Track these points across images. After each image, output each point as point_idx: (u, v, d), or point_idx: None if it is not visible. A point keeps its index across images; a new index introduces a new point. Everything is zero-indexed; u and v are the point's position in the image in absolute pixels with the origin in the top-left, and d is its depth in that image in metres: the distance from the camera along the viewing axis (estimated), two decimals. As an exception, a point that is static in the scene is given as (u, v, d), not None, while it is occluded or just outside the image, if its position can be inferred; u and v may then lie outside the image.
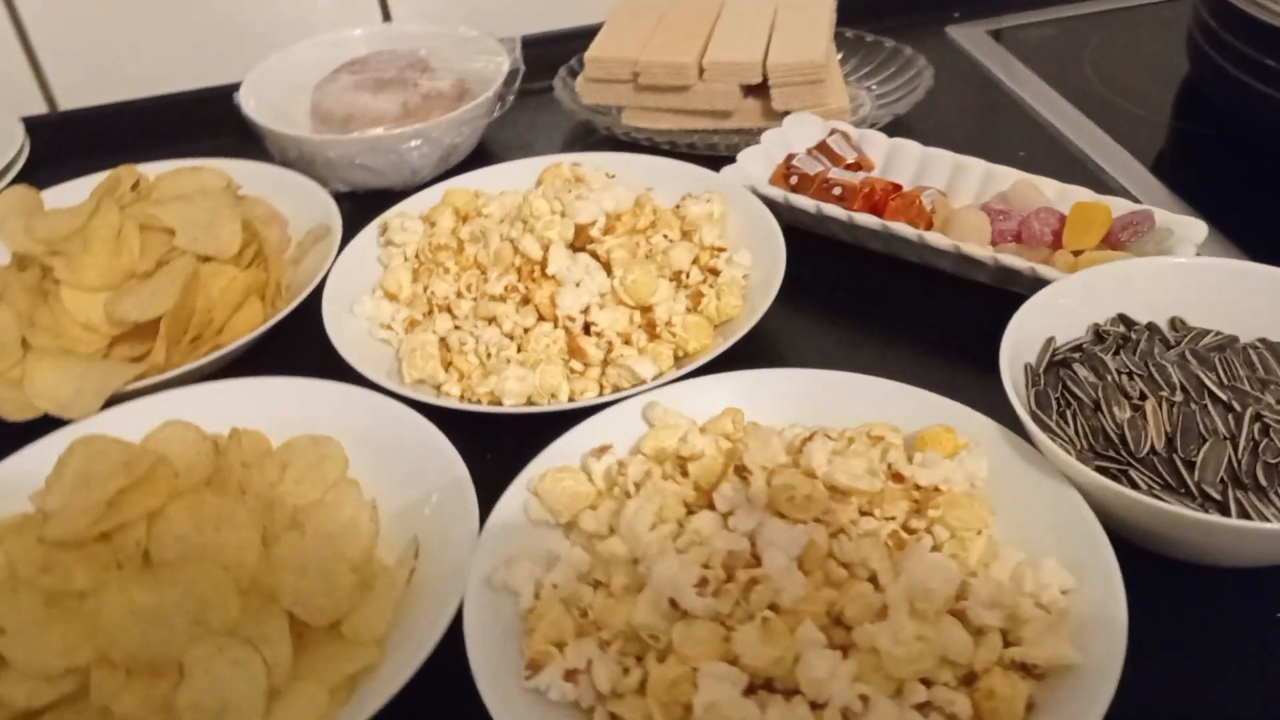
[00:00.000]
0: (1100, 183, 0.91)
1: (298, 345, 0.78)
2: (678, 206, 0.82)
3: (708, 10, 1.06)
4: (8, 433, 0.70)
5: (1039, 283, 0.71)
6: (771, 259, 0.76)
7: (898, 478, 0.57)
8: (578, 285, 0.73)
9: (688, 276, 0.77)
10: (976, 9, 1.21)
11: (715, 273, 0.77)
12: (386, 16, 1.17)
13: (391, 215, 0.85)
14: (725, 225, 0.82)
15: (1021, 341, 0.65)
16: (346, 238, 0.84)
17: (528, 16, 1.16)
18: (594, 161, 0.89)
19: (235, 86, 1.03)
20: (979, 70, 1.11)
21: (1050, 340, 0.66)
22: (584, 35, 1.05)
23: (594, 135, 1.05)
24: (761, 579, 0.51)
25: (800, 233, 0.87)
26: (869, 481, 0.55)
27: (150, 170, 0.90)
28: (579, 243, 0.78)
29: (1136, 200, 0.85)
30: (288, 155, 0.97)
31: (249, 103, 1.00)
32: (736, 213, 0.82)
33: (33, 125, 1.10)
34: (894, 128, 0.99)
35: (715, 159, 0.90)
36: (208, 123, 1.06)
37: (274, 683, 0.54)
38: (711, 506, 0.58)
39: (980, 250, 0.75)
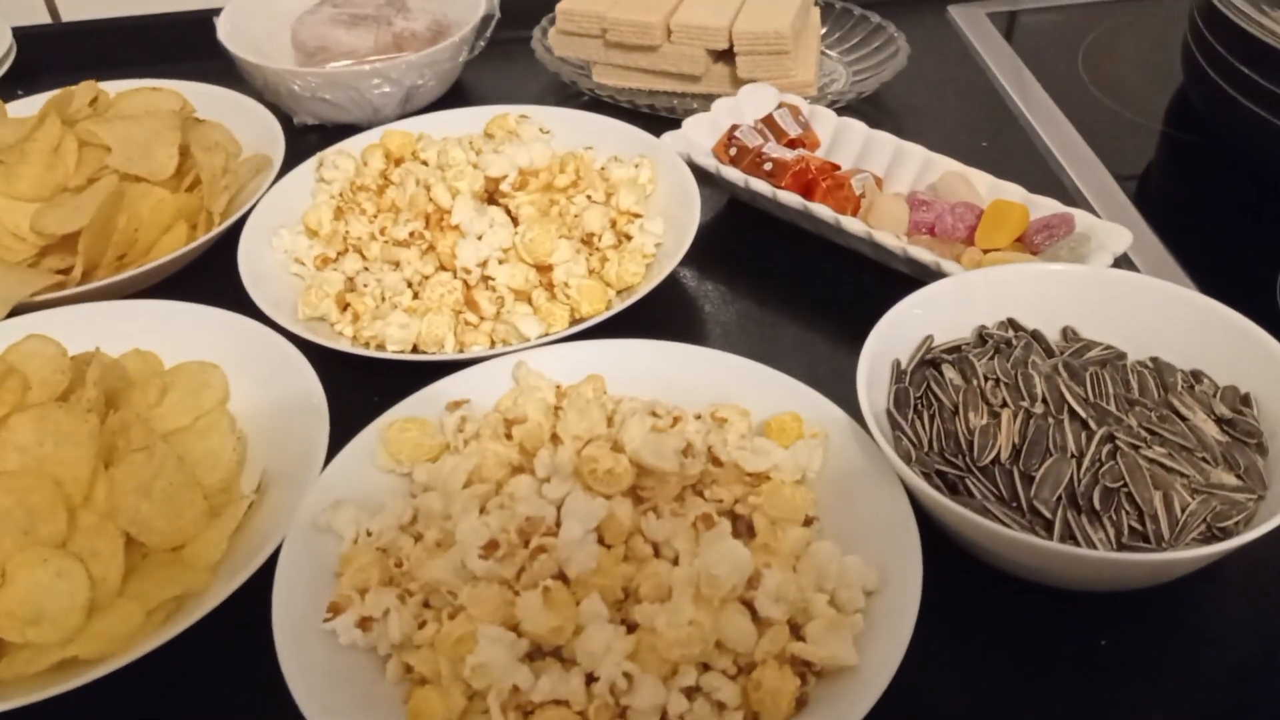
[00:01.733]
0: (1056, 182, 0.89)
1: (223, 273, 0.79)
2: (603, 169, 0.82)
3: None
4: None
5: (944, 278, 0.69)
6: (685, 229, 0.76)
7: (717, 462, 0.57)
8: (479, 238, 0.73)
9: (599, 239, 0.76)
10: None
11: (629, 238, 0.77)
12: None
13: (330, 152, 0.86)
14: (652, 191, 0.82)
15: (900, 338, 0.64)
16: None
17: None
18: (542, 115, 0.89)
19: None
20: (969, 54, 1.08)
21: (928, 339, 0.65)
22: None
23: (568, 90, 1.04)
24: (549, 548, 0.51)
25: (744, 207, 0.86)
26: (676, 462, 0.55)
27: (116, 88, 0.93)
28: (497, 196, 0.78)
29: (1092, 209, 0.84)
30: (258, 84, 0.99)
31: (225, 28, 1.01)
32: (664, 179, 0.82)
33: (33, 35, 1.13)
34: (865, 106, 0.97)
35: (675, 122, 0.89)
36: (205, 46, 1.06)
37: (97, 598, 0.56)
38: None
39: (891, 240, 0.74)
